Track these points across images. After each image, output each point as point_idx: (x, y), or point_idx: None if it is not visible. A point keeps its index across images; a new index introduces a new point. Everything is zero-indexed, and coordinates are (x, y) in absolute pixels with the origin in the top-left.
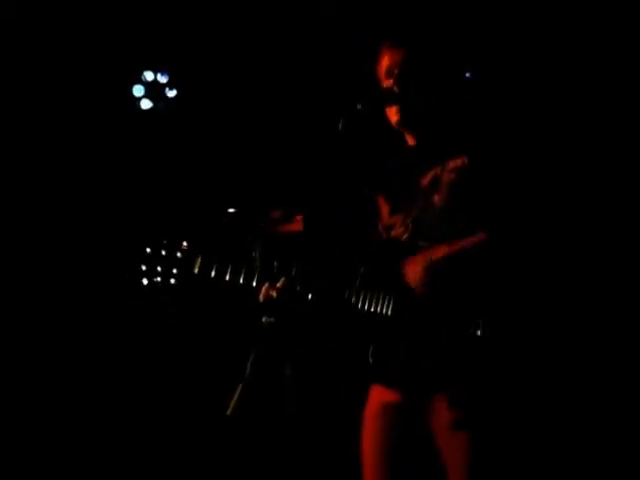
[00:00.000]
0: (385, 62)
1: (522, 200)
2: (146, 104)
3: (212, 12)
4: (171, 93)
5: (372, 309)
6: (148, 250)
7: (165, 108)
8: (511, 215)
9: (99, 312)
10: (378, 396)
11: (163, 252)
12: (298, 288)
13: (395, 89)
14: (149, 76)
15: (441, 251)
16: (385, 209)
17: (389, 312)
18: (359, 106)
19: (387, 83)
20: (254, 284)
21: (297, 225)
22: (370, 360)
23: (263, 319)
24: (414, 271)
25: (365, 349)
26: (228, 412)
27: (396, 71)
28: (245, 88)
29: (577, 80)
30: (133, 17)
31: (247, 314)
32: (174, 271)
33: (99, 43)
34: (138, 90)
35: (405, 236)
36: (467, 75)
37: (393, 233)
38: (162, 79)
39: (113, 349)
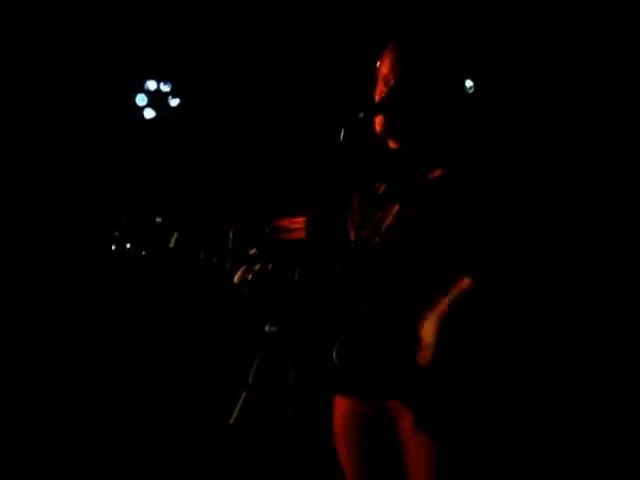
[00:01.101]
0: (384, 68)
1: (504, 214)
2: (149, 113)
3: (214, 21)
4: (174, 102)
5: (341, 308)
6: (123, 218)
7: (168, 117)
8: (493, 229)
9: (100, 313)
10: (341, 406)
11: (139, 222)
12: (273, 273)
13: (388, 98)
14: (152, 85)
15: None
16: (357, 209)
17: (356, 312)
18: (361, 114)
19: (381, 91)
20: (228, 265)
21: (300, 233)
22: (335, 360)
23: (266, 328)
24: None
25: (330, 348)
26: (231, 420)
27: (392, 81)
28: (247, 96)
29: (572, 90)
30: (136, 27)
31: (250, 322)
32: (148, 242)
33: (102, 53)
34: (141, 99)
35: (375, 240)
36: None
37: (363, 233)
38: (165, 88)
39: (115, 357)
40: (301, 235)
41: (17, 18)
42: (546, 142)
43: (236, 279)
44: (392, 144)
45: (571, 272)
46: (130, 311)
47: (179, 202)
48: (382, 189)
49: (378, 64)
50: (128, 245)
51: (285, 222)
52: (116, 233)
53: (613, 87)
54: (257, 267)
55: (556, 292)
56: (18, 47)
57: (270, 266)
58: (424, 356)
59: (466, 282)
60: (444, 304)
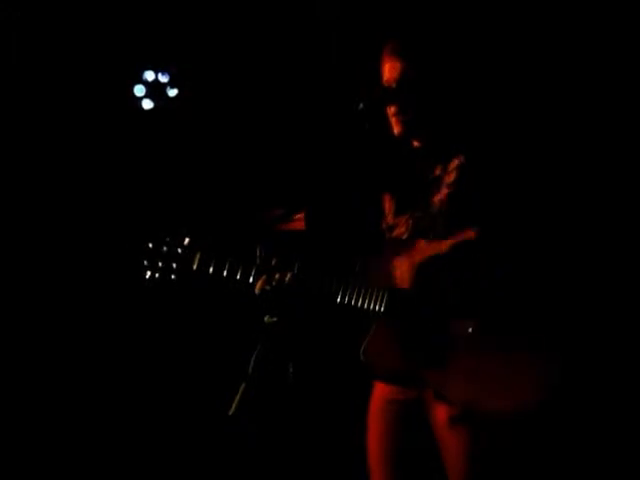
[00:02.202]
0: (386, 71)
1: (520, 200)
2: (147, 104)
3: (213, 11)
4: (172, 92)
5: (365, 306)
6: (150, 245)
7: (166, 107)
8: (509, 214)
9: (101, 307)
10: (380, 393)
11: (164, 248)
12: (293, 283)
13: (395, 98)
14: (150, 76)
15: (428, 248)
16: (390, 209)
17: (382, 308)
18: (361, 105)
19: (388, 84)
20: (250, 281)
21: (299, 223)
22: (362, 358)
23: (265, 318)
24: (401, 269)
25: (356, 346)
26: (230, 411)
27: (399, 78)
28: (246, 86)
29: (575, 85)
30: (134, 17)
31: (250, 313)
32: (174, 266)
33: (100, 43)
34: (139, 90)
35: (405, 235)
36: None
37: (395, 233)
38: (163, 79)
39: (115, 346)
40: (300, 226)
41: (13, 8)
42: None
43: (257, 291)
44: (414, 142)
45: (566, 261)
46: (132, 308)
47: (179, 193)
48: (409, 187)
49: (379, 66)
50: (158, 274)
51: (284, 213)
52: (145, 262)
53: (615, 84)
54: (277, 277)
55: (551, 276)
56: (14, 37)
57: (289, 275)
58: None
59: (471, 232)
60: (440, 246)
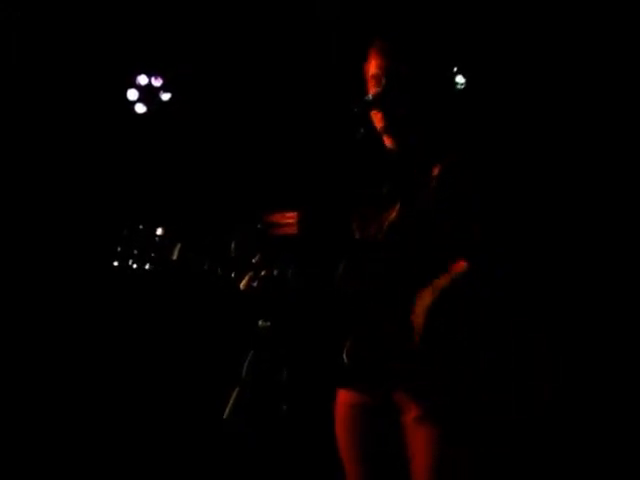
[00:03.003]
0: (372, 67)
1: (517, 201)
2: (140, 108)
3: (206, 15)
4: (165, 96)
5: (346, 308)
6: (125, 232)
7: (159, 111)
8: (508, 215)
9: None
10: (345, 400)
11: (140, 236)
12: (278, 278)
13: (382, 95)
14: (143, 80)
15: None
16: (363, 209)
17: (362, 310)
18: (355, 109)
19: (373, 89)
20: (232, 275)
21: (291, 228)
22: (345, 359)
23: (259, 322)
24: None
25: (338, 349)
26: (225, 415)
27: (383, 80)
28: (239, 91)
29: (566, 89)
30: (127, 21)
31: (243, 317)
32: (152, 255)
33: (93, 47)
34: (132, 94)
35: (379, 236)
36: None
37: (366, 232)
38: (156, 83)
39: (108, 349)
40: (292, 230)
41: (6, 12)
42: (541, 136)
43: (242, 287)
44: (390, 143)
45: (566, 259)
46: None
47: (172, 199)
48: (385, 189)
49: (366, 64)
50: (131, 261)
51: (277, 217)
52: (119, 249)
53: (610, 82)
54: (262, 273)
55: (551, 275)
56: (8, 42)
57: (275, 271)
58: (415, 335)
59: (461, 264)
60: (437, 285)
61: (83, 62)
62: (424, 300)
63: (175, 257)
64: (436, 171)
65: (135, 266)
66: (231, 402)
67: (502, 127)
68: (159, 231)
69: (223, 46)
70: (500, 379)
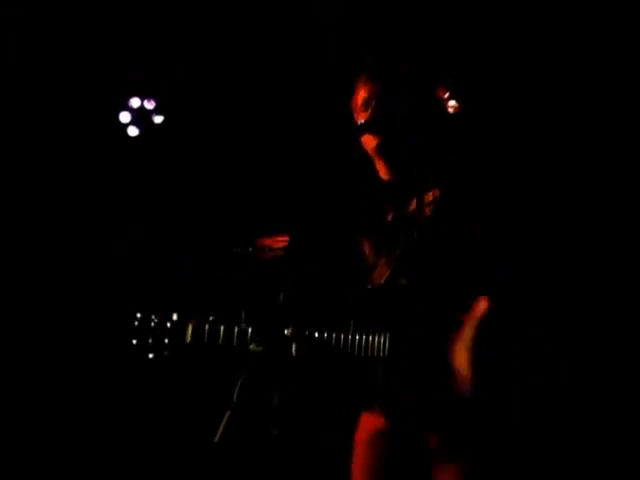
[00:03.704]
0: (362, 94)
1: (504, 250)
2: (133, 131)
3: (198, 39)
4: (158, 119)
5: (368, 353)
6: (137, 323)
7: (152, 134)
8: (491, 265)
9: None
10: (368, 424)
11: (152, 324)
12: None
13: (372, 121)
14: (136, 103)
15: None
16: (369, 250)
17: (386, 351)
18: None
19: (363, 116)
20: (250, 347)
21: (279, 252)
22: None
23: (251, 346)
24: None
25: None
26: (215, 438)
27: (373, 102)
28: (232, 114)
29: (566, 89)
30: (120, 44)
31: (235, 342)
32: (166, 341)
33: (86, 70)
34: (125, 116)
35: (386, 276)
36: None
37: (376, 273)
38: (149, 106)
39: (101, 371)
40: (281, 253)
41: (6, 12)
42: (535, 155)
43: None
44: (383, 169)
45: (566, 259)
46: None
47: (163, 222)
48: (389, 222)
49: (353, 97)
50: (150, 353)
51: (267, 241)
52: (134, 341)
53: (609, 85)
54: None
55: (551, 275)
56: (8, 42)
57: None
58: (463, 388)
59: (483, 304)
60: (468, 332)
61: (77, 85)
62: (461, 356)
63: (189, 339)
64: (434, 194)
65: (155, 356)
66: (222, 425)
67: (499, 133)
68: (175, 316)
69: (216, 70)
70: (500, 379)
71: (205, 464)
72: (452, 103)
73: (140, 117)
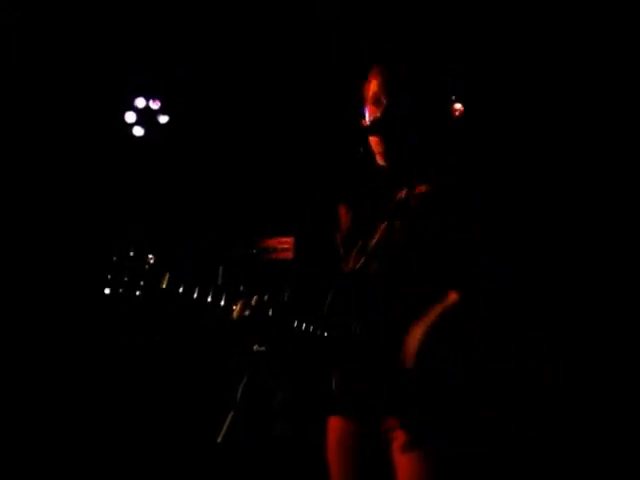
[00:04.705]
0: (373, 87)
1: (503, 250)
2: (138, 131)
3: (203, 38)
4: (163, 119)
5: (334, 336)
6: (114, 259)
7: (157, 134)
8: (491, 264)
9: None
10: (335, 427)
11: (130, 262)
12: (270, 307)
13: (381, 117)
14: (141, 103)
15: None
16: (346, 224)
17: (351, 339)
18: (362, 149)
19: (372, 110)
20: (222, 303)
21: (286, 253)
22: (334, 389)
23: (254, 347)
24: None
25: (329, 377)
26: (219, 439)
27: (384, 100)
28: (237, 114)
29: (566, 90)
30: (125, 44)
31: (238, 341)
32: (141, 283)
33: (91, 70)
34: (130, 116)
35: (361, 262)
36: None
37: (352, 258)
38: (154, 106)
39: (101, 372)
40: (288, 255)
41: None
42: (531, 157)
43: (235, 315)
44: (383, 163)
45: (566, 259)
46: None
47: (168, 221)
48: (369, 207)
49: (365, 85)
50: (121, 289)
51: (273, 242)
52: (109, 276)
53: (608, 85)
54: (254, 301)
55: (551, 275)
56: (8, 42)
57: (266, 297)
58: (408, 364)
59: (454, 296)
60: (430, 316)
61: (82, 85)
62: (415, 335)
63: (164, 285)
64: (422, 189)
65: (125, 293)
66: (225, 426)
67: (499, 134)
68: (151, 258)
69: (220, 70)
70: (500, 380)
71: (208, 464)
72: (458, 106)
73: (145, 117)
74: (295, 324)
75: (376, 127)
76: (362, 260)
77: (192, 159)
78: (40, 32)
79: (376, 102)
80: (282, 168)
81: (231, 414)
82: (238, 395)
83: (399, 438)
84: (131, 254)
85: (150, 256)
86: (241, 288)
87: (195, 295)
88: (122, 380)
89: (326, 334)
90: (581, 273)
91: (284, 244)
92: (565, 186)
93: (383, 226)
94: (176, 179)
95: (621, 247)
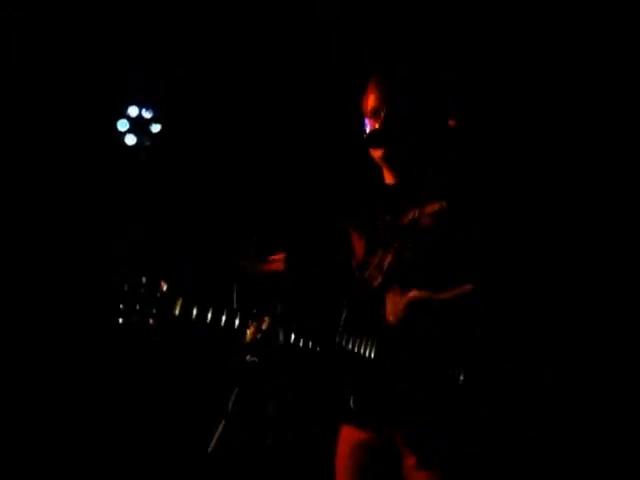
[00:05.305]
0: (371, 101)
1: (503, 250)
2: (131, 139)
3: (199, 42)
4: (155, 128)
5: (355, 351)
6: (126, 288)
7: (149, 143)
8: (491, 264)
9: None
10: (348, 436)
11: (142, 290)
12: (282, 331)
13: (381, 129)
14: (134, 111)
15: (425, 293)
16: (359, 247)
17: (371, 355)
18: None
19: (372, 123)
20: (235, 327)
21: (277, 264)
22: (352, 405)
23: (247, 357)
24: (395, 306)
25: (346, 392)
26: (209, 448)
27: (383, 112)
28: (230, 124)
29: (566, 90)
30: (118, 53)
31: (230, 352)
32: (153, 311)
33: (84, 78)
34: (123, 125)
35: (378, 280)
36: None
37: (366, 275)
38: (147, 114)
39: (94, 379)
40: (279, 267)
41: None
42: (531, 157)
43: (248, 339)
44: (389, 178)
45: (566, 259)
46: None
47: (159, 231)
48: (381, 227)
49: (363, 99)
50: (135, 317)
51: (261, 254)
52: (121, 306)
53: (608, 85)
54: (265, 324)
55: (551, 275)
56: (8, 42)
57: (275, 317)
58: (387, 320)
59: (467, 287)
60: (430, 293)
61: (74, 93)
62: (405, 299)
63: (178, 312)
64: (435, 207)
65: (139, 323)
66: (216, 436)
67: (499, 134)
68: (164, 286)
69: (213, 80)
70: (500, 380)
71: (199, 474)
72: (450, 122)
73: (138, 126)
74: (301, 343)
75: (376, 138)
76: (379, 279)
77: (184, 168)
78: (36, 39)
79: (375, 115)
80: (277, 168)
81: (222, 424)
82: (229, 405)
83: (411, 456)
84: (143, 281)
85: (163, 284)
86: (254, 310)
87: (209, 320)
88: (112, 387)
89: (342, 351)
90: (581, 273)
91: (275, 256)
92: (565, 186)
93: (396, 245)
94: (172, 181)
95: (621, 247)
